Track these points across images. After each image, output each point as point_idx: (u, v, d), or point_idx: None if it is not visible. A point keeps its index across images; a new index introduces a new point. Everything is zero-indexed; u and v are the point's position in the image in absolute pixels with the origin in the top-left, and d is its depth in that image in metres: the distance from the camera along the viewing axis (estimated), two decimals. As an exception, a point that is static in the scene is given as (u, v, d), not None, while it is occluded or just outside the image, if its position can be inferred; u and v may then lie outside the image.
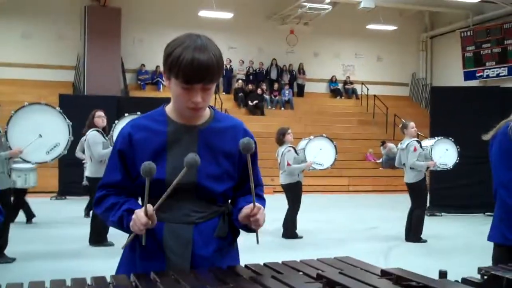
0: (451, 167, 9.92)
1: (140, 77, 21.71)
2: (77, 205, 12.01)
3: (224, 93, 22.48)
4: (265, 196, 2.32)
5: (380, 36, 24.13)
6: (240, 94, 22.17)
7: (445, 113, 11.98)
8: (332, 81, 24.59)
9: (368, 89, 23.52)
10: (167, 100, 2.21)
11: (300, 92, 24.02)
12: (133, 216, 1.96)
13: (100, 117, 7.79)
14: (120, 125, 8.07)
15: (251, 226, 2.06)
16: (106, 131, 7.91)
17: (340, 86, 24.65)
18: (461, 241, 8.53)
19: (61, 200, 13.75)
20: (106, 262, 6.56)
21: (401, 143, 8.90)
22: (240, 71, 23.15)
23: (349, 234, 9.20)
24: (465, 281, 2.06)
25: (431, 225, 10.36)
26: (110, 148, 7.62)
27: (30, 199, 9.66)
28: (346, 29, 23.55)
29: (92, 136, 7.64)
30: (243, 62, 23.16)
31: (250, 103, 21.78)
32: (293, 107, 22.80)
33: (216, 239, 2.14)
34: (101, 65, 18.87)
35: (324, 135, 10.21)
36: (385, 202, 14.22)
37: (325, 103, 23.63)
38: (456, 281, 1.95)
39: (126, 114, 8.20)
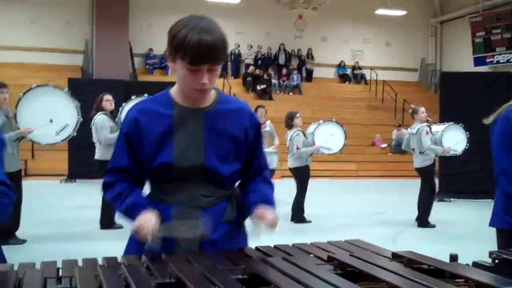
0: (460, 152, 9.88)
1: (148, 62, 21.70)
2: (86, 188, 12.08)
3: (232, 77, 22.44)
4: (273, 181, 2.34)
5: (389, 21, 23.96)
6: (248, 79, 22.12)
7: (455, 98, 11.91)
8: (341, 66, 24.49)
9: (377, 75, 23.42)
10: (171, 85, 2.21)
11: (309, 77, 23.94)
12: (140, 221, 1.98)
13: (108, 101, 7.78)
14: (127, 108, 8.08)
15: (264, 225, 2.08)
16: (113, 114, 7.92)
17: (348, 71, 24.55)
18: (470, 226, 8.50)
19: (70, 183, 13.82)
20: (115, 244, 6.59)
21: (410, 128, 8.86)
22: (249, 56, 23.09)
23: (357, 219, 9.20)
24: (476, 264, 2.05)
25: (440, 210, 10.34)
26: (119, 132, 7.63)
27: (40, 182, 9.72)
28: (355, 14, 23.40)
29: (100, 119, 7.64)
30: (251, 46, 23.09)
31: (258, 87, 21.74)
32: (302, 92, 22.75)
33: (225, 223, 2.14)
34: (109, 49, 18.86)
35: (333, 119, 10.18)
36: (393, 187, 14.19)
37: (334, 88, 23.56)
38: (467, 264, 1.95)
39: (133, 97, 8.21)
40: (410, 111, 9.19)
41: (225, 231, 2.14)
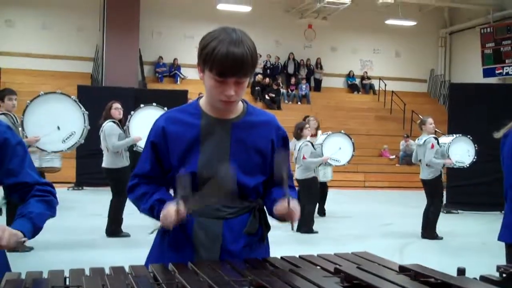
0: (468, 165, 9.83)
1: (158, 70, 21.76)
2: (94, 196, 12.11)
3: (241, 86, 22.48)
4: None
5: (398, 32, 23.94)
6: (257, 88, 22.15)
7: (464, 110, 11.88)
8: (350, 76, 24.47)
9: (385, 85, 23.38)
10: (184, 93, 2.22)
11: (317, 86, 23.93)
12: (164, 211, 2.01)
13: (117, 109, 7.80)
14: (136, 116, 8.13)
15: (287, 220, 2.11)
16: (122, 123, 7.95)
17: (357, 81, 24.53)
18: (477, 239, 8.46)
19: (78, 191, 13.86)
20: (123, 252, 6.63)
21: (418, 139, 8.83)
22: (258, 65, 23.12)
23: (364, 230, 9.17)
24: (483, 278, 2.04)
25: (447, 222, 10.29)
26: (126, 139, 7.68)
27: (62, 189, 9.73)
28: (364, 24, 23.40)
29: (108, 127, 7.66)
30: (260, 55, 23.13)
31: (266, 96, 21.76)
32: (310, 102, 22.74)
33: (246, 235, 2.15)
34: (119, 57, 18.93)
35: (342, 131, 10.18)
36: (401, 199, 14.15)
37: (342, 98, 23.54)
38: (475, 278, 1.94)
39: (142, 105, 8.25)
40: (418, 122, 9.15)
41: (245, 242, 2.15)
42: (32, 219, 1.93)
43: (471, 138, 9.86)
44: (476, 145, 9.77)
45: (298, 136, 8.82)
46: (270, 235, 2.28)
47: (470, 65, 22.89)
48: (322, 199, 10.32)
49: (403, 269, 1.92)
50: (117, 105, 7.85)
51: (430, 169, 8.44)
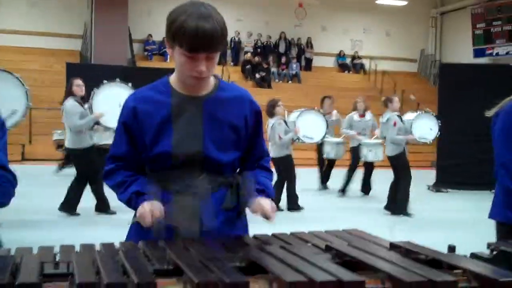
0: (431, 141, 10.16)
1: (147, 48, 21.61)
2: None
3: (232, 64, 22.37)
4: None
5: (389, 11, 23.87)
6: (247, 67, 22.06)
7: (454, 90, 11.88)
8: (340, 55, 24.43)
9: (376, 64, 23.36)
10: (173, 71, 2.19)
11: (308, 66, 23.88)
12: (141, 210, 2.00)
13: (79, 86, 7.55)
14: (99, 93, 7.90)
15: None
16: (84, 100, 7.75)
17: (348, 61, 24.49)
18: (467, 217, 8.53)
19: (67, 169, 13.75)
20: (112, 229, 6.60)
21: (382, 117, 9.05)
22: (248, 44, 23.00)
23: (354, 208, 9.21)
24: (474, 256, 2.05)
25: (437, 200, 10.38)
26: (89, 117, 7.46)
27: (37, 167, 9.70)
28: (355, 3, 23.30)
29: (69, 105, 7.42)
30: (251, 34, 23.01)
31: (257, 75, 21.68)
32: (301, 81, 22.70)
33: (224, 211, 2.14)
34: (108, 35, 18.73)
35: (316, 108, 10.27)
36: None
37: (333, 78, 23.51)
38: (465, 256, 1.95)
39: (104, 81, 8.01)
40: (383, 99, 9.38)
41: (224, 218, 2.14)
42: None
43: (434, 114, 10.12)
44: (439, 121, 10.01)
45: (271, 113, 8.75)
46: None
47: (461, 46, 22.89)
48: (368, 177, 10.58)
49: (394, 246, 1.93)
50: (78, 81, 7.58)
51: (393, 146, 8.65)
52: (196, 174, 2.09)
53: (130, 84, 7.90)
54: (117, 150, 2.16)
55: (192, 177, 2.09)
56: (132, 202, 2.07)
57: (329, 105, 10.63)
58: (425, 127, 9.89)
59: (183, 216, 2.07)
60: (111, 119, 7.02)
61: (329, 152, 10.51)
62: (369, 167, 10.48)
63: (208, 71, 2.02)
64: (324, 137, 10.10)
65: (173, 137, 2.06)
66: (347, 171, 10.56)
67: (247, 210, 2.18)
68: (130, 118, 2.10)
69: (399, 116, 8.85)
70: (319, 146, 10.79)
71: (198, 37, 1.91)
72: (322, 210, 8.96)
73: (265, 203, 2.08)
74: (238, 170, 2.25)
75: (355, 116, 10.53)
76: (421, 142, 9.95)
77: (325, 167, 11.13)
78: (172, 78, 2.15)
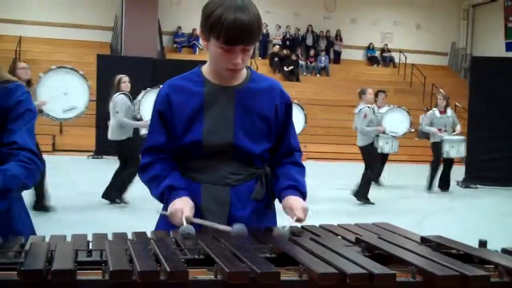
0: (401, 135, 10.69)
1: (177, 40, 21.72)
2: (113, 165, 12.20)
3: (259, 57, 22.36)
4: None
5: (420, 4, 23.59)
6: (275, 59, 22.03)
7: (485, 83, 11.71)
8: (370, 48, 24.23)
9: (406, 58, 23.12)
10: (202, 63, 2.20)
11: (337, 59, 23.75)
12: (172, 209, 2.00)
13: (125, 82, 7.85)
14: (146, 99, 8.33)
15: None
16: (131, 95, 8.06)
17: (377, 54, 24.29)
18: (496, 212, 8.42)
19: (97, 159, 13.97)
20: (141, 219, 6.68)
21: (355, 108, 9.25)
22: (277, 36, 22.97)
23: (382, 203, 9.16)
24: (505, 251, 2.03)
25: (466, 196, 10.26)
26: (135, 122, 7.87)
27: (67, 157, 9.86)
28: (385, -5, 23.09)
29: (120, 99, 7.72)
30: (279, 27, 22.95)
31: (285, 68, 21.64)
32: (329, 74, 22.59)
33: (253, 201, 2.15)
34: (138, 27, 18.90)
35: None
36: (420, 172, 14.03)
37: (362, 71, 23.35)
38: (496, 251, 1.93)
39: (148, 89, 8.41)
40: (359, 91, 9.51)
41: (253, 208, 2.15)
42: (5, 176, 1.86)
43: (406, 109, 10.73)
44: (411, 116, 10.70)
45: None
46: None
47: (493, 39, 22.53)
48: (447, 174, 10.66)
49: (424, 240, 1.92)
50: (126, 78, 7.89)
51: (363, 137, 8.93)
52: (226, 164, 2.10)
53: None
54: (154, 141, 2.16)
55: (222, 167, 2.10)
56: (165, 196, 2.07)
57: (382, 99, 10.66)
58: (396, 121, 10.43)
59: (212, 205, 2.08)
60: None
61: (383, 146, 10.53)
62: (450, 163, 10.52)
63: (243, 63, 2.04)
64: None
65: (204, 127, 2.08)
66: (430, 168, 10.63)
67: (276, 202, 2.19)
68: (165, 106, 2.11)
69: (372, 108, 9.10)
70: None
71: (236, 30, 1.92)
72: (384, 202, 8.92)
73: (297, 204, 2.06)
74: (268, 162, 2.24)
75: (436, 112, 10.59)
76: (391, 135, 10.40)
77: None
78: (205, 68, 2.16)
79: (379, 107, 10.60)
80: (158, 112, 2.13)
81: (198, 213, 2.06)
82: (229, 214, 2.10)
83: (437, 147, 10.42)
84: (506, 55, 20.49)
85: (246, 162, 2.13)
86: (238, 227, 1.89)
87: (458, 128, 10.46)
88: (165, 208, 2.10)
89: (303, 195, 2.14)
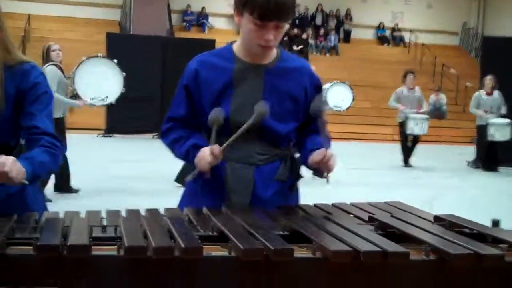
0: (344, 110, 11.02)
1: (186, 18, 21.62)
2: (123, 143, 12.26)
3: (269, 36, 22.25)
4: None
5: (432, -17, 23.34)
6: (285, 39, 21.87)
7: (496, 63, 11.56)
8: (380, 28, 24.03)
9: (416, 37, 22.92)
10: (211, 42, 2.20)
11: (346, 38, 23.58)
12: (199, 153, 2.01)
13: (55, 51, 6.74)
14: (78, 73, 7.42)
15: (323, 171, 2.07)
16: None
17: (387, 33, 24.08)
18: (506, 192, 8.39)
19: (108, 138, 14.00)
20: (154, 199, 6.72)
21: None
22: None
23: (393, 180, 9.15)
24: (518, 230, 2.03)
25: (480, 177, 10.21)
26: (71, 101, 7.13)
27: (77, 135, 9.88)
28: (396, -26, 22.84)
29: (49, 71, 6.29)
30: (289, 5, 22.78)
31: (294, 48, 21.51)
32: (339, 53, 22.45)
33: (277, 182, 2.15)
34: (147, 5, 18.79)
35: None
36: (429, 152, 13.99)
37: (372, 50, 23.16)
38: (509, 230, 1.93)
39: (84, 57, 7.66)
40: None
41: (276, 189, 2.15)
42: (34, 164, 1.86)
43: (349, 84, 11.04)
44: (353, 91, 11.03)
45: None
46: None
47: (505, 19, 22.24)
48: (493, 156, 10.72)
49: (437, 219, 1.92)
50: (56, 46, 6.85)
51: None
52: (252, 143, 2.10)
53: (115, 61, 7.83)
54: (174, 112, 2.18)
55: (248, 146, 2.10)
56: (190, 154, 2.08)
57: (411, 80, 10.69)
58: (339, 97, 10.75)
59: (236, 183, 2.09)
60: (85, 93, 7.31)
61: (413, 128, 10.45)
62: (494, 146, 10.54)
63: (276, 40, 2.04)
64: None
65: (232, 104, 2.08)
66: (476, 150, 10.77)
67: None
68: (192, 81, 2.12)
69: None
70: (403, 123, 10.74)
71: (270, 6, 1.93)
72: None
73: (323, 151, 2.05)
74: (294, 143, 2.24)
75: (482, 94, 10.57)
76: (334, 110, 10.69)
77: (410, 144, 11.02)
78: (236, 46, 2.16)
79: (411, 89, 10.72)
80: (185, 86, 2.14)
81: (221, 188, 2.09)
82: (252, 194, 2.10)
83: (482, 130, 10.43)
84: (518, 35, 20.28)
85: (272, 142, 2.13)
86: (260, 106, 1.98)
87: (504, 110, 10.45)
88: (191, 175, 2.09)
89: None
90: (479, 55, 19.14)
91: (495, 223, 1.95)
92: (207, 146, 2.03)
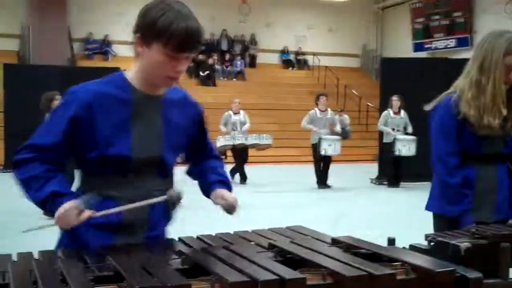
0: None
1: (88, 46, 21.19)
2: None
3: (175, 63, 22.19)
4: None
5: (332, 7, 24.19)
6: (191, 65, 21.92)
7: (395, 83, 12.11)
8: (284, 52, 24.58)
9: (319, 60, 23.62)
10: (116, 70, 2.13)
11: (252, 63, 23.94)
12: (64, 210, 1.81)
13: (58, 100, 7.20)
14: None
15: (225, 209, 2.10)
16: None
17: (292, 57, 24.68)
18: (407, 209, 8.72)
19: (7, 173, 13.37)
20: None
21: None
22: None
23: (303, 201, 9.30)
24: (413, 247, 2.11)
25: (379, 194, 10.58)
26: None
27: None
28: (298, -1, 23.50)
29: None
30: (194, 32, 22.86)
31: (201, 73, 21.58)
32: (245, 78, 22.73)
33: (166, 218, 2.11)
34: (46, 34, 18.24)
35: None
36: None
37: (277, 74, 23.64)
38: (404, 247, 2.00)
39: None
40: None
41: (166, 224, 2.13)
42: None
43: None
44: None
45: None
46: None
47: (401, 40, 23.42)
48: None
49: (335, 242, 1.95)
50: (59, 97, 7.21)
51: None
52: (150, 181, 2.00)
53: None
54: (40, 140, 1.91)
55: (146, 183, 1.99)
56: (48, 203, 1.84)
57: (324, 102, 10.99)
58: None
59: (131, 226, 1.99)
60: None
61: (326, 148, 10.65)
62: (399, 162, 11.12)
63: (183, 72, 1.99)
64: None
65: (132, 139, 1.94)
66: (380, 168, 11.35)
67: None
68: (84, 113, 1.88)
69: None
70: (315, 145, 10.93)
71: (188, 37, 1.85)
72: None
73: (228, 194, 2.09)
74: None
75: (390, 112, 11.18)
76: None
77: (322, 165, 11.17)
78: (130, 75, 2.00)
79: (323, 111, 11.07)
80: (72, 118, 1.88)
81: (112, 233, 1.96)
82: (147, 229, 2.03)
83: (388, 147, 10.99)
84: (414, 55, 21.37)
85: (166, 175, 2.07)
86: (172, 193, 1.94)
87: (410, 129, 11.03)
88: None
89: (230, 189, 2.16)
90: (379, 76, 19.97)
91: (391, 241, 2.02)
92: (69, 193, 1.87)
